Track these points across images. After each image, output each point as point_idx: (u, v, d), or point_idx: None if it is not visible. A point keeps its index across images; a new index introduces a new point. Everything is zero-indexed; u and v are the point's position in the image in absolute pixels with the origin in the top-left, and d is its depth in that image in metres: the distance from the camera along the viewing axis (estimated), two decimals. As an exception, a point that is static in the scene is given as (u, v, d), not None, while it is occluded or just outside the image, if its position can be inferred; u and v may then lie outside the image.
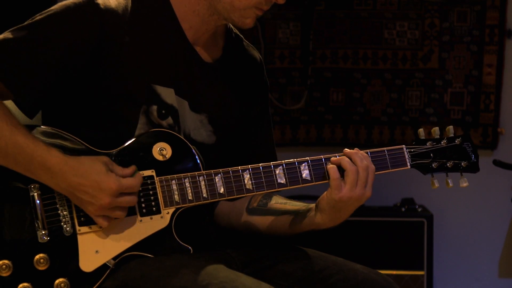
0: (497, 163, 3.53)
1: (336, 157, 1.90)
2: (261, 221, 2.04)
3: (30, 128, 1.84)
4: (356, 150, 1.90)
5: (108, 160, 1.82)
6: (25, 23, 1.88)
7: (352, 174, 1.86)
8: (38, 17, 1.88)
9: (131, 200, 1.82)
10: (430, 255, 3.81)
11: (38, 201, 1.81)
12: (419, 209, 3.91)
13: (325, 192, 1.89)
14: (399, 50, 4.20)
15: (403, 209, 3.91)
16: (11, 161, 1.79)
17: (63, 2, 1.90)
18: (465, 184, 1.99)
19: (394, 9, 4.19)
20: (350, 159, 1.88)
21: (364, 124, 4.23)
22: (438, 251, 4.01)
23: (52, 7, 1.89)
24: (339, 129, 4.24)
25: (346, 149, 1.91)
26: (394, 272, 3.78)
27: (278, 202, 2.05)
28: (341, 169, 1.88)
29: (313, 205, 1.96)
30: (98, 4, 1.88)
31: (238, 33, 2.15)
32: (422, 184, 3.83)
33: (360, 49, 4.20)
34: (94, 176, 1.77)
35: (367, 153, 1.93)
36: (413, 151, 1.97)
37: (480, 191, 4.17)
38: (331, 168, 1.88)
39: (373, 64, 4.20)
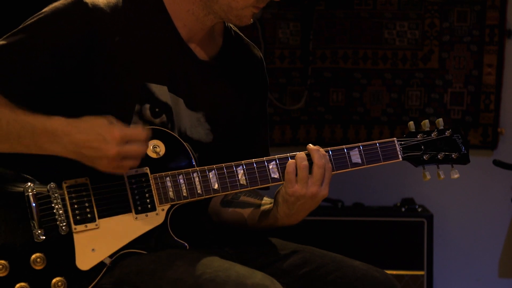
0: (497, 163, 3.53)
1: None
2: (231, 212, 2.07)
3: None
4: (317, 147, 1.92)
5: (111, 117, 1.80)
6: (18, 28, 1.89)
7: (301, 171, 1.88)
8: (29, 21, 1.89)
9: (139, 148, 1.79)
10: (430, 255, 3.80)
11: (33, 201, 1.82)
12: (419, 209, 3.90)
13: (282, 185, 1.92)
14: (399, 50, 4.19)
15: (403, 209, 3.91)
16: (15, 138, 1.79)
17: (53, 4, 1.90)
18: (456, 176, 2.00)
19: (394, 9, 4.18)
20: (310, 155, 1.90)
21: (364, 124, 4.23)
22: (438, 251, 4.01)
23: (43, 10, 1.90)
24: (339, 129, 4.24)
25: (309, 145, 1.93)
26: (394, 272, 3.77)
27: (251, 196, 2.07)
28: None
29: None
30: (86, 4, 1.88)
31: (238, 31, 2.15)
32: (422, 184, 3.82)
33: (360, 49, 4.20)
34: (97, 129, 1.76)
35: (358, 147, 1.93)
36: (404, 144, 1.99)
37: (480, 191, 4.17)
38: (289, 162, 1.90)
39: (373, 64, 4.20)
